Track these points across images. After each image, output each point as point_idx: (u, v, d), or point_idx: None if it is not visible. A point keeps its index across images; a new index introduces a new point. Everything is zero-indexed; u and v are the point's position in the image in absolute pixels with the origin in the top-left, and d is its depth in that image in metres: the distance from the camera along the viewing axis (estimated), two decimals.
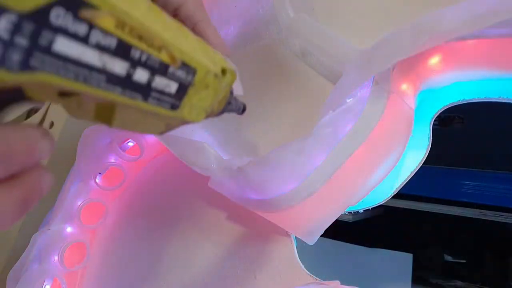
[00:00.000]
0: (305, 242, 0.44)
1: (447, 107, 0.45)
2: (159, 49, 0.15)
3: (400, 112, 0.43)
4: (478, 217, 0.80)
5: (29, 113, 0.72)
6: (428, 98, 0.46)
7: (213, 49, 0.21)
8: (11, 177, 0.14)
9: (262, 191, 0.41)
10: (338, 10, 0.44)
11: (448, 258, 0.98)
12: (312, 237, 0.43)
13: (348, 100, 0.39)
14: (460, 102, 0.44)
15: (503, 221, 0.77)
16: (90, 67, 0.13)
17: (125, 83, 0.15)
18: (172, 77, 0.17)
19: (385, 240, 0.96)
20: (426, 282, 0.91)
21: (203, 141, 0.46)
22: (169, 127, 0.20)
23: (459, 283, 0.90)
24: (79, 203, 0.55)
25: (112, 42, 0.13)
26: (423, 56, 0.41)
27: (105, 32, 0.13)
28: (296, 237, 0.47)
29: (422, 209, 0.86)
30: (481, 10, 0.31)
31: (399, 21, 0.40)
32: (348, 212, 0.52)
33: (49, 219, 0.56)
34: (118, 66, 0.14)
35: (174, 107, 0.18)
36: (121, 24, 0.13)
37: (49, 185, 0.17)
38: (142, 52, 0.15)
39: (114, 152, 0.55)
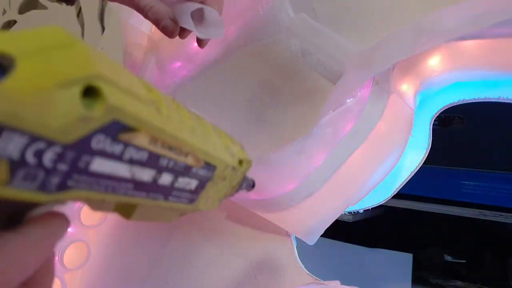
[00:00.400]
0: (305, 242, 0.44)
1: (447, 107, 0.45)
2: (186, 154, 0.16)
3: (400, 112, 0.43)
4: (478, 217, 0.80)
5: None
6: (428, 98, 0.46)
7: (233, 139, 0.21)
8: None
9: (262, 191, 0.41)
10: (338, 10, 0.44)
11: (448, 258, 0.98)
12: (312, 237, 0.43)
13: (348, 100, 0.39)
14: (460, 102, 0.44)
15: (503, 221, 0.77)
16: (120, 179, 0.13)
17: (150, 187, 0.15)
18: (194, 176, 0.17)
19: (385, 240, 0.96)
20: (426, 282, 0.91)
21: None
22: (183, 215, 0.20)
23: (459, 283, 0.90)
24: (79, 203, 0.55)
25: (143, 156, 0.13)
26: (423, 56, 0.41)
27: (139, 148, 0.13)
28: (296, 237, 0.47)
29: (422, 209, 0.86)
30: (481, 10, 0.31)
31: (399, 21, 0.40)
32: (348, 212, 0.52)
33: None
34: (146, 175, 0.14)
35: (191, 201, 0.19)
36: (154, 140, 0.13)
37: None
38: (169, 159, 0.15)
39: None
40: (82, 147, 0.11)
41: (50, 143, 0.09)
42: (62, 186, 0.11)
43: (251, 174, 0.41)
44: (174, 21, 0.34)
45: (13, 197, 0.10)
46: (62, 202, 0.12)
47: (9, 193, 0.09)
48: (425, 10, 0.35)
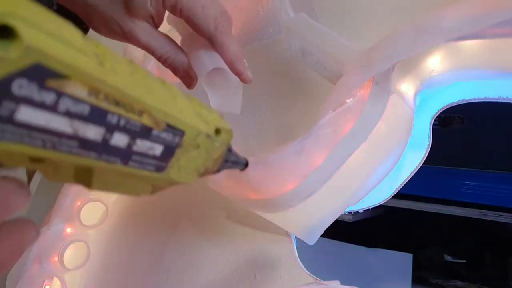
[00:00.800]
0: (305, 242, 0.44)
1: (447, 107, 0.45)
2: (140, 113, 0.15)
3: (400, 112, 0.43)
4: (478, 217, 0.80)
5: None
6: (428, 98, 0.46)
7: (208, 107, 0.20)
8: None
9: (262, 191, 0.41)
10: (338, 10, 0.44)
11: (448, 258, 0.98)
12: (312, 237, 0.43)
13: (348, 100, 0.39)
14: (460, 102, 0.44)
15: (503, 221, 0.77)
16: (59, 134, 0.12)
17: (101, 148, 0.14)
18: (156, 140, 0.16)
19: (385, 240, 0.96)
20: (426, 282, 0.91)
21: None
22: (157, 188, 0.19)
23: (459, 283, 0.90)
24: (79, 203, 0.55)
25: (84, 109, 0.13)
26: (423, 56, 0.41)
27: (76, 100, 0.12)
28: (296, 237, 0.47)
29: (422, 209, 0.86)
30: (481, 10, 0.31)
31: (399, 21, 0.40)
32: (348, 212, 0.52)
33: (49, 219, 0.56)
34: (92, 132, 0.13)
35: (159, 169, 0.17)
36: (94, 91, 0.13)
37: (31, 239, 0.15)
38: (120, 117, 0.14)
39: None
40: (3, 90, 0.10)
41: None
42: None
43: (251, 174, 0.41)
44: (191, 73, 0.34)
45: None
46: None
47: None
48: (425, 10, 0.35)
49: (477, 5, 0.31)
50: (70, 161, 0.13)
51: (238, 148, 0.50)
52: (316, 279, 0.45)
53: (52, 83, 0.11)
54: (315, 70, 0.45)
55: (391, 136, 0.42)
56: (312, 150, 0.38)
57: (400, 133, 0.43)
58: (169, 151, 0.17)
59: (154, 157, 0.17)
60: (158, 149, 0.17)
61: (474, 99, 0.43)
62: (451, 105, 0.45)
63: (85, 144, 0.13)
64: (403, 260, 0.89)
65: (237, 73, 0.34)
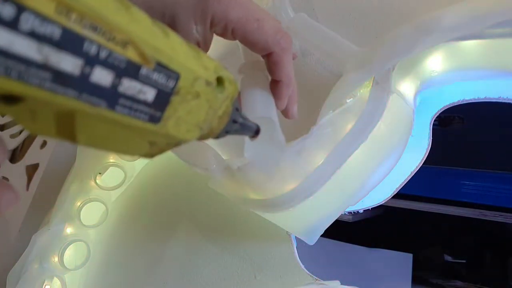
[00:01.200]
0: (305, 242, 0.44)
1: (447, 107, 0.45)
2: (124, 44, 0.13)
3: (400, 112, 0.43)
4: (478, 217, 0.80)
5: (14, 153, 0.72)
6: (428, 98, 0.46)
7: (208, 56, 0.17)
8: None
9: (262, 191, 0.41)
10: (338, 10, 0.44)
11: (448, 258, 0.98)
12: (312, 237, 0.43)
13: (348, 100, 0.39)
14: (460, 102, 0.44)
15: (503, 221, 0.77)
16: (26, 61, 0.10)
17: (81, 84, 0.12)
18: (147, 81, 0.14)
19: (385, 240, 0.96)
20: (426, 282, 0.91)
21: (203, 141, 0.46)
22: (156, 148, 0.16)
23: (459, 283, 0.90)
24: (79, 203, 0.55)
25: (54, 31, 0.11)
26: (423, 56, 0.41)
27: (42, 17, 0.10)
28: (296, 237, 0.47)
29: (422, 209, 0.86)
30: (481, 10, 0.31)
31: (399, 21, 0.40)
32: (348, 212, 0.52)
33: (49, 219, 0.56)
34: (67, 62, 0.11)
35: (153, 119, 0.15)
36: (64, 9, 0.11)
37: (9, 200, 0.15)
38: (100, 46, 0.12)
39: None
40: None
41: None
42: None
43: (251, 174, 0.41)
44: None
45: None
46: None
47: None
48: (426, 10, 0.35)
49: (477, 5, 0.31)
50: (44, 100, 0.11)
51: (238, 148, 0.50)
52: (316, 279, 0.45)
53: None
54: (315, 70, 0.45)
55: (391, 136, 0.42)
56: (312, 150, 0.38)
57: (400, 133, 0.43)
58: (163, 98, 0.15)
59: (146, 103, 0.14)
60: (150, 94, 0.14)
61: (474, 99, 0.43)
62: (451, 105, 0.45)
63: (60, 78, 0.11)
64: (403, 260, 0.89)
65: (279, 96, 0.30)
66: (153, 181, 0.60)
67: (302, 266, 0.46)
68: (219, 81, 0.18)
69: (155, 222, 0.57)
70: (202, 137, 0.19)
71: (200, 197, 0.54)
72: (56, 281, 0.54)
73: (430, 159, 0.47)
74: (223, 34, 0.28)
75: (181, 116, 0.16)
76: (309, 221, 0.43)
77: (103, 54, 0.12)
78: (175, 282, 0.53)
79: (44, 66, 0.11)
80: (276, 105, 0.31)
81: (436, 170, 0.87)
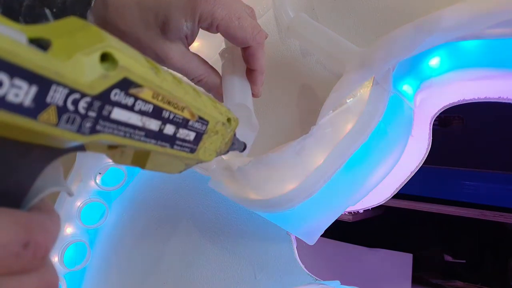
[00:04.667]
0: (305, 242, 0.44)
1: (447, 107, 0.45)
2: (182, 109, 0.20)
3: (400, 112, 0.43)
4: (478, 217, 0.80)
5: None
6: (428, 98, 0.46)
7: (219, 103, 0.26)
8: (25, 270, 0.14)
9: (262, 191, 0.41)
10: (338, 10, 0.44)
11: (448, 258, 0.98)
12: (312, 237, 0.43)
13: (348, 100, 0.39)
14: (460, 102, 0.44)
15: (503, 221, 0.77)
16: (134, 127, 0.18)
17: (158, 135, 0.20)
18: (191, 128, 0.22)
19: (385, 240, 0.96)
20: (426, 282, 0.91)
21: None
22: (187, 166, 0.25)
23: (459, 283, 0.90)
24: (79, 203, 0.55)
25: (149, 108, 0.18)
26: (423, 56, 0.41)
27: (145, 101, 0.18)
28: (296, 237, 0.47)
29: (422, 209, 0.86)
30: (481, 10, 0.31)
31: (399, 21, 0.40)
32: (348, 212, 0.53)
33: None
34: (153, 124, 0.19)
35: (192, 151, 0.23)
36: (156, 95, 0.18)
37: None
38: (170, 112, 0.20)
39: None
40: (104, 98, 0.15)
41: (82, 95, 0.14)
42: (93, 130, 0.15)
43: (251, 174, 0.41)
44: (221, 93, 0.35)
45: (61, 136, 0.14)
46: (94, 144, 0.17)
47: (57, 133, 0.14)
48: (426, 10, 0.35)
49: (477, 5, 0.31)
50: (138, 146, 0.19)
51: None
52: (316, 279, 0.45)
53: (132, 91, 0.16)
54: (315, 70, 0.45)
55: (391, 136, 0.42)
56: (312, 150, 0.38)
57: (400, 133, 0.43)
58: (199, 137, 0.23)
59: (189, 141, 0.23)
60: (192, 136, 0.23)
61: (474, 99, 0.43)
62: (451, 105, 0.45)
63: (149, 133, 0.19)
64: (403, 260, 0.89)
65: (254, 83, 0.36)
66: (153, 181, 0.60)
67: (302, 266, 0.46)
68: (228, 120, 0.26)
69: (155, 222, 0.57)
70: (216, 156, 0.27)
71: (200, 197, 0.54)
72: None
73: (430, 159, 0.47)
74: (208, 29, 0.33)
75: (206, 146, 0.25)
76: (309, 221, 0.43)
77: (171, 116, 0.20)
78: (175, 282, 0.53)
79: (142, 128, 0.18)
80: (252, 89, 0.36)
81: (436, 170, 0.87)
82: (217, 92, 0.36)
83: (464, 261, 0.97)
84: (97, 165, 0.56)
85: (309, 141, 0.38)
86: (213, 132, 0.25)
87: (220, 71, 0.36)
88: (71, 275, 0.56)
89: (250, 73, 0.36)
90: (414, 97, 0.44)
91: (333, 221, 0.43)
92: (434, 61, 0.41)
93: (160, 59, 0.32)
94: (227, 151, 0.29)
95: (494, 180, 0.81)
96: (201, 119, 0.23)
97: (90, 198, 0.56)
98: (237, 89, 0.35)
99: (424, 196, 0.87)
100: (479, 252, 0.95)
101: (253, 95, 0.36)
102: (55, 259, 0.54)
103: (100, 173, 0.56)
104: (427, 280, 0.91)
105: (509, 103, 0.41)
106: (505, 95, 0.41)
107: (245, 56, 0.35)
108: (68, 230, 0.56)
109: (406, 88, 0.43)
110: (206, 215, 0.53)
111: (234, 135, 0.29)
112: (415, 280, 0.86)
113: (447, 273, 0.95)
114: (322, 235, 0.43)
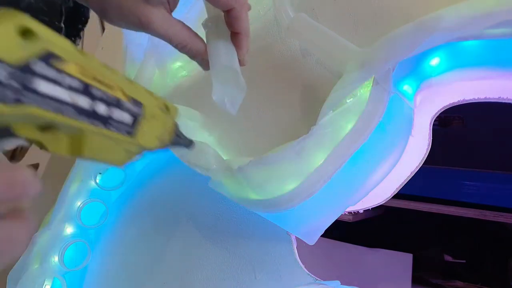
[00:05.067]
0: (305, 242, 0.44)
1: (447, 107, 0.45)
2: (113, 88, 0.21)
3: (400, 112, 0.43)
4: (478, 217, 0.80)
5: (14, 153, 0.72)
6: (428, 98, 0.46)
7: (157, 95, 0.27)
8: None
9: (262, 191, 0.41)
10: (338, 10, 0.44)
11: (448, 258, 0.98)
12: (312, 237, 0.43)
13: (348, 100, 0.39)
14: (460, 102, 0.44)
15: (503, 221, 0.77)
16: (63, 102, 0.18)
17: (90, 114, 0.20)
18: (126, 110, 0.23)
19: (385, 240, 0.96)
20: (426, 282, 0.91)
21: (203, 141, 0.46)
22: (130, 154, 0.25)
23: (459, 283, 0.90)
24: (79, 203, 0.55)
25: (78, 84, 0.19)
26: (423, 56, 0.41)
27: (72, 77, 0.18)
28: (296, 237, 0.47)
29: (422, 209, 0.86)
30: (481, 10, 0.31)
31: (400, 21, 0.40)
32: (348, 212, 0.53)
33: (49, 219, 0.56)
34: (83, 101, 0.19)
35: (129, 133, 0.23)
36: (83, 71, 0.19)
37: (26, 237, 0.18)
38: (100, 91, 0.20)
39: None
40: (27, 69, 0.16)
41: (0, 61, 0.15)
42: (18, 100, 0.16)
43: (251, 174, 0.41)
44: (207, 59, 0.35)
45: None
46: (17, 120, 0.17)
47: None
48: (426, 10, 0.35)
49: (477, 5, 0.31)
50: (69, 124, 0.18)
51: (238, 148, 0.50)
52: (316, 279, 0.45)
53: (58, 64, 0.17)
54: (315, 70, 0.45)
55: (391, 136, 0.42)
56: (312, 150, 0.38)
57: (400, 133, 0.43)
58: (135, 120, 0.24)
59: (126, 124, 0.23)
60: (127, 117, 0.23)
61: (474, 99, 0.43)
62: (451, 105, 0.45)
63: (79, 110, 0.19)
64: (403, 260, 0.89)
65: (239, 47, 0.35)
66: (153, 181, 0.60)
67: (302, 266, 0.46)
68: (166, 107, 0.27)
69: (155, 222, 0.57)
70: (160, 147, 0.27)
71: (200, 197, 0.54)
72: (56, 281, 0.54)
73: (430, 159, 0.47)
74: None
75: (145, 130, 0.25)
76: (309, 221, 0.43)
77: (102, 95, 0.20)
78: (175, 282, 0.53)
79: (71, 104, 0.18)
80: (238, 53, 0.36)
81: (436, 170, 0.87)
82: (202, 58, 0.35)
83: (464, 261, 0.97)
84: (97, 165, 0.56)
85: (309, 141, 0.38)
86: (150, 115, 0.25)
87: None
88: (71, 275, 0.56)
89: (235, 37, 0.35)
90: (414, 97, 0.44)
91: (333, 221, 0.43)
92: (434, 61, 0.41)
93: (143, 24, 0.31)
94: (173, 143, 0.29)
95: (494, 180, 0.81)
96: (134, 101, 0.23)
97: (90, 198, 0.56)
98: (223, 52, 0.34)
99: (424, 196, 0.87)
100: (479, 252, 0.95)
101: (239, 62, 0.36)
102: (55, 259, 0.54)
103: (100, 173, 0.56)
104: (427, 280, 0.91)
105: (509, 103, 0.41)
106: (505, 95, 0.41)
107: (228, 20, 0.34)
108: (68, 230, 0.56)
109: (406, 88, 0.43)
110: (206, 215, 0.53)
111: (178, 127, 0.29)
112: (415, 280, 0.86)
113: (447, 273, 0.95)
114: (322, 235, 0.43)
